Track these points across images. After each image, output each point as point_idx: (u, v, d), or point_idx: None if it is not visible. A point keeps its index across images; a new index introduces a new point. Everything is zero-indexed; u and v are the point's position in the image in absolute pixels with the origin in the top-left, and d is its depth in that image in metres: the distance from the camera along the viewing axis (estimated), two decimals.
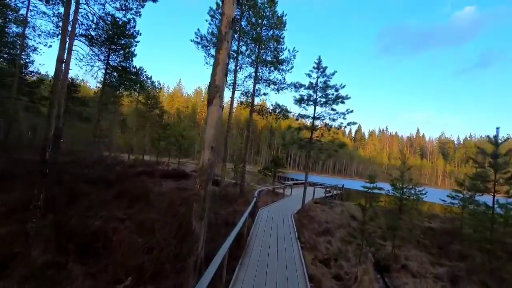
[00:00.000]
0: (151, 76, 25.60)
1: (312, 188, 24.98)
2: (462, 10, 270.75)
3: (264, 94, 17.65)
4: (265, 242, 7.53)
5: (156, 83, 25.85)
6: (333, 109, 13.16)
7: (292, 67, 17.06)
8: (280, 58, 16.78)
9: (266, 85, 17.54)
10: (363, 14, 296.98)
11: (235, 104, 18.33)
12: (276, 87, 17.65)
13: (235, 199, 13.83)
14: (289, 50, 16.59)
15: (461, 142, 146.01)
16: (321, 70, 13.05)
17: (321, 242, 8.92)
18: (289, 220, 10.93)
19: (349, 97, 12.80)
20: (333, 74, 12.93)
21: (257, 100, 17.73)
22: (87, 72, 33.98)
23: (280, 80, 17.31)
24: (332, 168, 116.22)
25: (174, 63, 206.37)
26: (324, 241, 9.12)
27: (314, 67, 13.21)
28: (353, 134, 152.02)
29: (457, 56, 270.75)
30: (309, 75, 13.31)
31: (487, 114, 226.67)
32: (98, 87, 24.92)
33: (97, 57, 18.20)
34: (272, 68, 17.15)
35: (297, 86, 13.92)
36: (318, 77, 13.18)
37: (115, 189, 12.09)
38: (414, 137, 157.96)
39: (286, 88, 17.34)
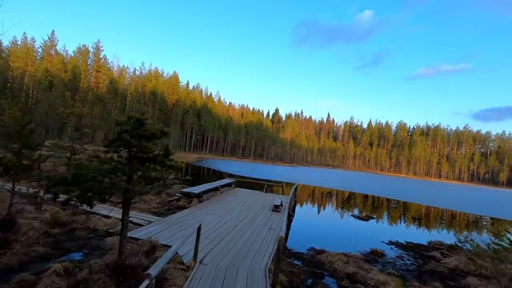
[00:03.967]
0: None
1: (252, 201, 11.39)
2: (363, 12, 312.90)
3: None
4: None
5: None
6: None
7: None
8: None
9: None
10: (280, 6, 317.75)
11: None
12: None
13: None
14: None
15: (366, 127, 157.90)
16: None
17: None
18: None
19: None
20: None
21: None
22: None
23: None
24: (253, 152, 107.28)
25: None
26: None
27: None
28: (271, 116, 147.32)
29: (358, 53, 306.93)
30: None
31: (381, 102, 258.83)
32: None
33: None
34: None
35: None
36: None
37: None
38: (325, 121, 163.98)
39: None
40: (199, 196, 11.49)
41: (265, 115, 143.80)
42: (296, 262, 6.79)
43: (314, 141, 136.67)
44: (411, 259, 8.01)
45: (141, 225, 7.75)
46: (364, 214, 13.82)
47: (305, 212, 14.63)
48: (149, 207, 10.14)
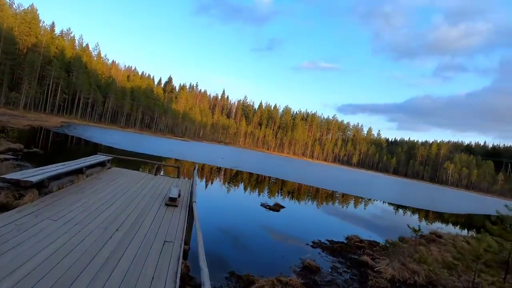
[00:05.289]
0: None
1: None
2: None
3: None
4: None
5: None
6: None
7: None
8: None
9: None
10: None
11: None
12: None
13: None
14: None
15: (257, 108, 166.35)
16: None
17: None
18: None
19: None
20: None
21: None
22: None
23: None
24: (140, 122, 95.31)
25: None
26: None
27: None
28: (163, 84, 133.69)
29: (256, 36, 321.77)
30: None
31: (272, 86, 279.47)
32: None
33: None
34: None
35: None
36: None
37: None
38: (220, 98, 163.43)
39: None
40: (40, 185, 6.83)
41: (156, 82, 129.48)
42: None
43: (208, 116, 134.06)
44: (347, 270, 6.60)
45: None
46: (274, 203, 12.28)
47: (208, 201, 11.91)
48: None
